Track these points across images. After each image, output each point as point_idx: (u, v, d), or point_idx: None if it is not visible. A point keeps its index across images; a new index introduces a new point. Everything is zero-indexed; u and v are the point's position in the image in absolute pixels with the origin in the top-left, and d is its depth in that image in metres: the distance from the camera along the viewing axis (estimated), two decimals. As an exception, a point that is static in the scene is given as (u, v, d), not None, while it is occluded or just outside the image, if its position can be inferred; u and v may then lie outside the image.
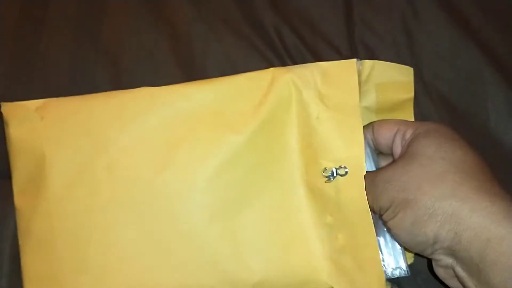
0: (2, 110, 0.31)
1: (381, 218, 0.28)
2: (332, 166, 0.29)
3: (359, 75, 0.31)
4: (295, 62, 0.36)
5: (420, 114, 0.35)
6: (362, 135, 0.29)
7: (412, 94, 0.33)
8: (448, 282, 0.27)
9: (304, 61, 0.36)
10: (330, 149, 0.30)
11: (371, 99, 0.32)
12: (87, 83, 0.36)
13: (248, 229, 0.30)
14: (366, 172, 0.29)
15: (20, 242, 0.31)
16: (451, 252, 0.25)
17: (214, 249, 0.29)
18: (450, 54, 0.37)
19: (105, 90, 0.32)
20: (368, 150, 0.30)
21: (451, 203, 0.25)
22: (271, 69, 0.31)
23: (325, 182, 0.29)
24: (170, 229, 0.29)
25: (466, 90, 0.36)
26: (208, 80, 0.31)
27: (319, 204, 0.30)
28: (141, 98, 0.30)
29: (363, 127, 0.30)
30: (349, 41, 0.37)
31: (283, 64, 0.36)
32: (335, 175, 0.29)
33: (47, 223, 0.30)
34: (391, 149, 0.30)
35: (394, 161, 0.29)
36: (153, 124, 0.30)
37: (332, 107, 0.30)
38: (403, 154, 0.28)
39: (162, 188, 0.30)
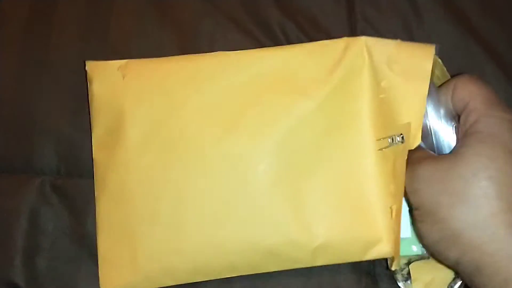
0: (87, 68, 0.33)
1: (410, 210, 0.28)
2: (394, 133, 0.29)
3: None
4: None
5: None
6: (424, 104, 0.29)
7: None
8: None
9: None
10: (394, 115, 0.30)
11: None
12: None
13: (314, 194, 0.30)
14: (415, 151, 0.28)
15: (96, 193, 0.32)
16: (470, 280, 0.25)
17: (277, 210, 0.30)
18: (451, 52, 0.37)
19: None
20: (442, 111, 0.29)
21: (479, 236, 0.24)
22: (345, 38, 0.31)
23: (388, 148, 0.30)
24: (236, 188, 0.30)
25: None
26: (281, 47, 0.32)
27: (385, 173, 0.30)
28: (216, 61, 0.32)
29: (443, 84, 0.30)
30: (352, 39, 0.38)
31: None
32: (395, 142, 0.29)
33: (123, 174, 0.31)
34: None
35: (442, 155, 0.27)
36: (226, 86, 0.31)
37: (399, 74, 0.30)
38: (454, 152, 0.26)
39: (231, 148, 0.31)
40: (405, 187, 0.28)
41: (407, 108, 0.29)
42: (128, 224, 0.31)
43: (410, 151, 0.29)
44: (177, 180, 0.31)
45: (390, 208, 0.30)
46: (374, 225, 0.30)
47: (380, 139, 0.30)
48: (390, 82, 0.30)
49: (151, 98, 0.32)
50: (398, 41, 0.31)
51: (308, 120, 0.30)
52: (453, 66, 0.37)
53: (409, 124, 0.29)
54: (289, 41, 0.37)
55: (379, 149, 0.30)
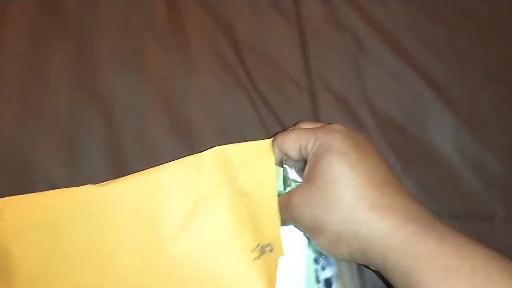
0: None
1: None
2: (263, 243, 0.32)
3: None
4: (264, 99, 0.42)
5: (368, 135, 0.41)
6: (278, 215, 0.32)
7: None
8: None
9: (270, 97, 0.43)
10: (259, 226, 0.33)
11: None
12: (85, 129, 0.41)
13: None
14: (280, 195, 0.32)
15: None
16: (367, 265, 0.29)
17: None
18: (394, 79, 0.43)
19: (101, 133, 0.40)
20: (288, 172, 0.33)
21: (349, 228, 0.27)
22: (205, 152, 0.33)
23: (261, 258, 0.32)
24: None
25: (409, 109, 0.42)
26: (147, 171, 0.34)
27: (262, 280, 0.32)
28: (82, 195, 0.34)
29: (272, 141, 0.33)
30: (307, 75, 0.44)
31: (253, 102, 0.42)
32: (265, 251, 0.32)
33: None
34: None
35: (301, 184, 0.31)
36: (89, 221, 0.34)
37: (250, 183, 0.33)
38: (307, 176, 0.30)
39: (109, 276, 0.33)
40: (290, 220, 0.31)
41: (267, 219, 0.32)
42: None
43: (281, 195, 0.32)
44: None
45: None
46: None
47: (253, 250, 0.32)
48: (247, 196, 0.33)
49: (31, 234, 0.33)
50: (238, 145, 0.33)
51: (175, 243, 0.32)
52: (396, 92, 0.43)
53: (276, 234, 0.32)
54: (253, 83, 0.43)
55: (254, 259, 0.32)
